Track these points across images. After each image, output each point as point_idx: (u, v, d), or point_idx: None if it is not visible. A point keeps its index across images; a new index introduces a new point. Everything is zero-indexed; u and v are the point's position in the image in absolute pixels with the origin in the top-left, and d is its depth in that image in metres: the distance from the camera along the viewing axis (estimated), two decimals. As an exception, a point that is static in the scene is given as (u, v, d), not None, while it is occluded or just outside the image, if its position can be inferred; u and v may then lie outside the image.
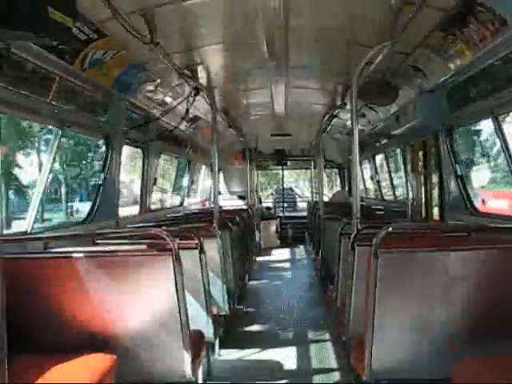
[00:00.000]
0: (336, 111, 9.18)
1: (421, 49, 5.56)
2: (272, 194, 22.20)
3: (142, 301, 3.43)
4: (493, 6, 4.00)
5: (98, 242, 4.84)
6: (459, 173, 6.43)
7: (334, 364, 5.34)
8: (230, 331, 6.46)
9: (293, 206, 19.18)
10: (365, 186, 13.10)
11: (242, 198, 14.53)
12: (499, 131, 5.20)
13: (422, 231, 4.71)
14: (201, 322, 4.47)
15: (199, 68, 6.72)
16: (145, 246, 4.04)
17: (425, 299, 3.35)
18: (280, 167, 16.92)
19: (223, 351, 5.71)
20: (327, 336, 6.24)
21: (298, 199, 23.05)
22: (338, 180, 17.52)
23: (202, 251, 4.49)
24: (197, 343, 3.88)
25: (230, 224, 6.79)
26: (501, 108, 5.05)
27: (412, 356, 3.43)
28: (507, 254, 3.31)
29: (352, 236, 4.32)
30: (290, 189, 22.89)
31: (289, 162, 16.63)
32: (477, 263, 3.27)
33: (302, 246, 14.87)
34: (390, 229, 3.38)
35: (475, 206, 6.28)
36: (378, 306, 3.31)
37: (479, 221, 5.83)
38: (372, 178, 12.19)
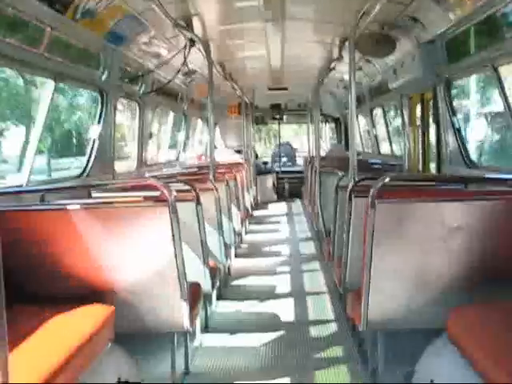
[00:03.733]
0: (333, 64, 9.06)
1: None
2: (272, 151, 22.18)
3: (138, 252, 3.43)
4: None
5: (94, 194, 4.84)
6: (457, 126, 6.40)
7: (330, 315, 5.40)
8: (228, 283, 6.53)
9: (291, 160, 19.06)
10: (362, 140, 13.06)
11: (238, 152, 14.47)
12: (498, 83, 5.15)
13: (419, 183, 4.71)
14: (198, 273, 4.50)
15: (194, 19, 6.59)
16: (141, 197, 4.03)
17: (421, 250, 3.36)
18: (277, 121, 16.82)
19: (220, 303, 5.78)
20: (324, 288, 6.30)
21: (297, 154, 22.99)
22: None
23: (198, 203, 4.48)
24: (194, 294, 3.91)
25: (227, 177, 6.78)
26: (501, 59, 5.00)
27: (408, 306, 3.46)
28: (502, 205, 3.31)
29: (349, 187, 4.31)
30: (288, 143, 22.70)
31: (286, 116, 16.52)
32: (473, 214, 3.27)
33: (298, 200, 14.91)
34: (388, 179, 3.36)
35: (472, 158, 6.28)
36: (374, 256, 3.32)
37: (476, 173, 5.83)
38: (369, 132, 12.14)
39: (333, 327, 5.06)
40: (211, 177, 5.95)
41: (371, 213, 3.26)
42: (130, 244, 3.40)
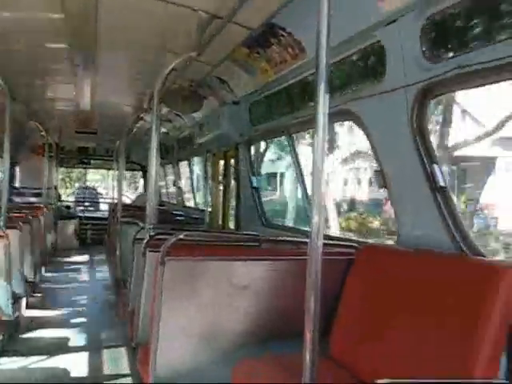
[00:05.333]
0: (142, 114, 9.10)
1: (227, 62, 5.70)
2: (74, 193, 21.49)
3: None
4: (293, 31, 4.25)
5: None
6: (254, 184, 6.70)
7: (125, 369, 5.25)
8: (16, 337, 6.08)
9: (95, 206, 18.60)
10: (167, 191, 13.14)
11: (38, 195, 13.79)
12: (292, 148, 5.52)
13: (214, 241, 4.80)
14: None
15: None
16: None
17: (210, 307, 3.42)
18: (83, 165, 16.39)
19: (5, 359, 5.35)
20: (120, 341, 6.12)
21: (102, 200, 22.51)
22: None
23: None
24: None
25: (21, 223, 6.40)
26: (295, 127, 5.37)
27: (196, 362, 3.48)
28: (291, 266, 3.50)
29: (144, 242, 4.28)
30: (93, 188, 22.22)
31: (93, 161, 16.17)
32: (260, 273, 3.41)
33: (101, 249, 14.50)
34: (181, 236, 3.39)
35: (267, 218, 6.59)
36: (163, 312, 3.31)
37: (271, 233, 6.11)
38: (174, 183, 12.27)
39: (126, 382, 4.93)
40: (1, 223, 5.56)
41: (160, 269, 3.26)
42: None
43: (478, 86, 3.23)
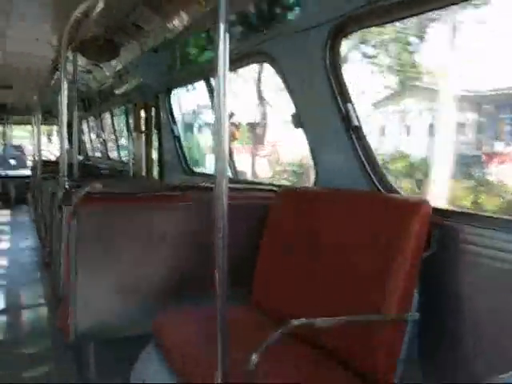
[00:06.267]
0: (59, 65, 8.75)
1: (141, 7, 5.49)
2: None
3: None
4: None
5: None
6: (176, 133, 6.60)
7: (48, 328, 5.15)
8: None
9: (22, 164, 18.00)
10: (92, 144, 12.84)
11: None
12: (211, 93, 5.46)
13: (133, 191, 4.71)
14: None
15: None
16: None
17: (129, 258, 3.36)
18: (1, 122, 15.78)
19: None
20: (43, 299, 6.01)
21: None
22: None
23: None
24: None
25: None
26: (212, 71, 5.27)
27: (118, 314, 3.43)
28: (206, 212, 3.46)
29: (59, 195, 4.15)
30: (19, 146, 21.49)
31: (13, 117, 15.59)
32: (178, 221, 3.37)
33: (26, 207, 14.11)
34: (96, 185, 3.29)
35: (190, 166, 6.52)
36: (79, 266, 3.23)
37: (193, 180, 6.06)
38: (98, 136, 11.99)
39: (48, 339, 4.84)
40: None
41: (73, 222, 3.17)
42: None
43: (389, 22, 3.25)
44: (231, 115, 9.25)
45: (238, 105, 10.58)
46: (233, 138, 10.09)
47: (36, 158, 11.52)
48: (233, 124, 10.50)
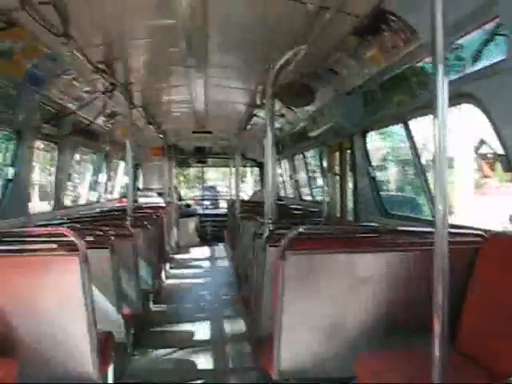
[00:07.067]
0: (255, 111, 9.21)
1: (337, 53, 5.64)
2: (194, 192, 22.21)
3: (47, 302, 3.32)
4: (403, 15, 4.12)
5: (4, 240, 4.66)
6: (372, 175, 6.60)
7: (248, 363, 5.33)
8: (144, 331, 6.37)
9: (215, 203, 19.09)
10: (284, 185, 13.23)
11: (160, 194, 14.35)
12: (409, 136, 5.38)
13: (333, 233, 4.78)
14: (112, 322, 4.38)
15: (116, 63, 6.57)
16: (53, 246, 3.91)
17: (332, 300, 3.40)
18: (200, 164, 16.86)
19: (137, 351, 5.62)
20: (243, 336, 6.24)
21: (221, 197, 23.08)
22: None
23: (112, 251, 4.39)
24: (106, 344, 3.80)
25: (145, 221, 6.70)
26: (411, 114, 5.22)
27: (319, 355, 3.48)
28: (412, 257, 3.41)
29: (264, 237, 4.34)
30: (212, 187, 22.82)
31: (210, 160, 16.56)
32: (382, 264, 3.35)
33: (221, 244, 14.84)
34: (301, 229, 3.41)
35: (386, 208, 6.46)
36: (285, 307, 3.33)
37: (390, 222, 5.99)
38: (291, 177, 12.33)
39: (250, 376, 5.00)
40: (128, 222, 5.85)
41: (281, 264, 3.28)
42: (39, 293, 3.29)
43: None
44: (480, 144, 8.26)
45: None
46: (484, 173, 8.96)
47: (233, 198, 12.14)
48: (483, 156, 8.87)
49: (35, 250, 3.59)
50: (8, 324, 3.29)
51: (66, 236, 3.35)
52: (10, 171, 6.18)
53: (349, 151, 7.41)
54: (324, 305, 3.40)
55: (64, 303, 3.31)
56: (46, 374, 3.40)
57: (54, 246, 3.87)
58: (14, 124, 6.09)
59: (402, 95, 5.23)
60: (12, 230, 5.42)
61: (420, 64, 4.63)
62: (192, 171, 26.75)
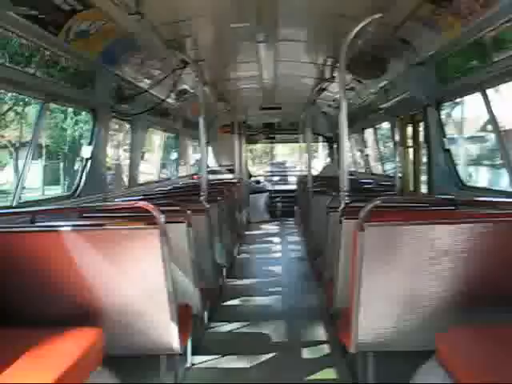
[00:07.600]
0: (325, 84, 9.13)
1: (410, 22, 5.50)
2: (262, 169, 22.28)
3: (128, 274, 3.42)
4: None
5: (86, 215, 4.82)
6: (446, 147, 6.44)
7: (322, 337, 5.35)
8: (219, 304, 6.49)
9: (284, 179, 19.11)
10: (354, 159, 13.08)
11: (231, 171, 14.46)
12: (487, 106, 5.20)
13: (409, 205, 4.72)
14: (189, 295, 4.48)
15: (187, 40, 6.65)
16: (132, 219, 4.01)
17: (411, 272, 3.36)
18: (269, 140, 16.88)
19: (212, 324, 5.74)
20: (316, 309, 6.27)
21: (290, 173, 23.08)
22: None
23: (189, 225, 4.47)
24: (185, 316, 3.90)
25: (218, 197, 6.79)
26: (489, 82, 5.05)
27: (398, 327, 3.46)
28: (491, 228, 3.32)
29: (340, 210, 4.32)
30: (281, 163, 22.86)
31: (279, 136, 16.54)
32: (462, 236, 3.27)
33: (291, 220, 14.86)
34: (378, 202, 3.38)
35: (462, 180, 6.30)
36: (363, 279, 3.32)
37: (466, 195, 5.85)
38: (361, 151, 12.19)
39: (324, 349, 5.02)
40: (202, 198, 5.94)
41: (360, 236, 3.26)
42: (120, 266, 3.39)
43: None
44: None
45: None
46: None
47: (303, 173, 12.11)
48: None
49: (115, 225, 3.70)
50: (92, 294, 3.42)
51: (145, 210, 3.42)
52: (88, 150, 6.37)
53: (422, 123, 7.25)
54: (402, 277, 3.37)
55: (145, 276, 3.40)
56: (128, 345, 3.52)
57: (132, 220, 3.98)
58: (90, 103, 6.26)
59: (479, 62, 5.06)
60: (93, 204, 5.61)
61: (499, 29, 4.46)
62: (260, 147, 26.89)
